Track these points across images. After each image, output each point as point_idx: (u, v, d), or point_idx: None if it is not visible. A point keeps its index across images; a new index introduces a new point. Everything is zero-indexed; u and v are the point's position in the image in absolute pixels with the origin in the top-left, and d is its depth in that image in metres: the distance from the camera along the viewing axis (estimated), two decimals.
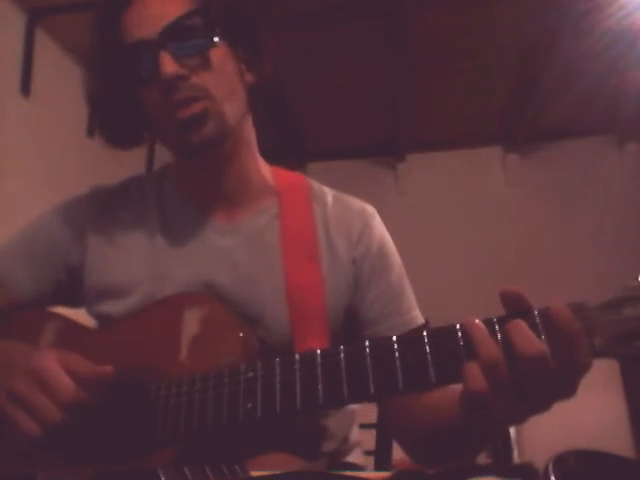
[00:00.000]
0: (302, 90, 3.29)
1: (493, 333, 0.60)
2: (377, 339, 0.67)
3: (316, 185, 1.00)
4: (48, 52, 2.73)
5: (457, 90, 3.66)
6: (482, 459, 2.76)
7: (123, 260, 0.91)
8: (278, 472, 0.53)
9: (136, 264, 0.90)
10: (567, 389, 0.60)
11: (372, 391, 0.64)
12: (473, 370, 0.59)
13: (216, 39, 0.84)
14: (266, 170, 0.98)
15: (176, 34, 0.81)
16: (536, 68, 3.34)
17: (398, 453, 0.98)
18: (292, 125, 3.99)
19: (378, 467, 1.48)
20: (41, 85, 2.64)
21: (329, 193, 0.99)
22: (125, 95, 0.86)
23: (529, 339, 0.57)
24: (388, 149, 4.39)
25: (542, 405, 0.60)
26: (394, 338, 0.65)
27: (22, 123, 2.57)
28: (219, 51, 0.85)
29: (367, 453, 1.30)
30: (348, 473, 0.55)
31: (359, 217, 0.96)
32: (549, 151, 4.29)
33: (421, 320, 0.95)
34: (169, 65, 0.80)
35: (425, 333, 0.64)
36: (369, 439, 1.27)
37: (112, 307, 0.89)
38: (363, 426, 1.08)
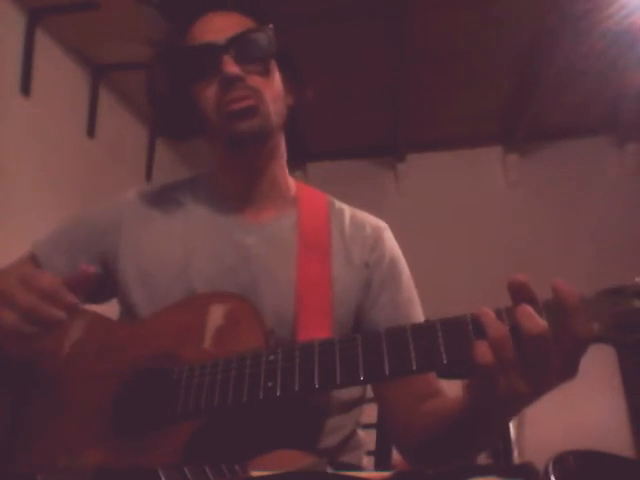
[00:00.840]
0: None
1: (500, 317, 0.65)
2: (392, 326, 0.71)
3: (336, 202, 1.09)
4: (48, 52, 2.73)
5: (457, 90, 3.66)
6: (482, 459, 2.76)
7: (156, 248, 0.98)
8: (278, 472, 0.54)
9: (167, 253, 0.98)
10: (568, 368, 0.64)
11: (387, 372, 0.67)
12: (482, 348, 0.63)
13: (273, 54, 0.97)
14: (292, 183, 1.08)
15: (240, 43, 0.94)
16: (536, 68, 3.34)
17: (398, 453, 0.99)
18: (292, 125, 3.98)
19: (378, 467, 1.48)
20: (41, 85, 2.64)
21: (347, 209, 1.08)
22: (184, 92, 0.97)
23: (534, 319, 0.62)
24: (388, 149, 4.39)
25: (545, 385, 0.65)
26: (408, 325, 0.70)
27: (22, 123, 2.57)
28: (273, 66, 0.98)
29: (367, 453, 1.30)
30: (348, 473, 0.55)
31: (373, 230, 1.05)
32: (549, 151, 4.28)
33: None
34: (231, 65, 0.92)
35: (437, 320, 0.69)
36: (369, 439, 1.27)
37: (142, 294, 0.96)
38: (363, 426, 1.08)
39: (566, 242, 4.01)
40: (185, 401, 0.76)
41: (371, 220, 1.07)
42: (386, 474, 0.56)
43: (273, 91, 0.97)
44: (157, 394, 0.78)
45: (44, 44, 2.69)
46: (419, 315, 1.01)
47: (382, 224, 1.08)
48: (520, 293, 0.66)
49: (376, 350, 0.69)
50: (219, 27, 0.96)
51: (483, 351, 0.63)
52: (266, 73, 0.96)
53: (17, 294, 0.77)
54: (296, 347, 0.74)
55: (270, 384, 0.72)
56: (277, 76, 0.99)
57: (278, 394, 0.71)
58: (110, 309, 1.01)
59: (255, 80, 0.94)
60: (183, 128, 1.05)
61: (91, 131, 3.08)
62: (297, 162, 4.35)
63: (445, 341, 0.66)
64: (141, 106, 3.20)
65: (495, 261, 3.95)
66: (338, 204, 1.09)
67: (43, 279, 0.78)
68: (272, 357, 0.74)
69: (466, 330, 0.66)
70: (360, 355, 0.69)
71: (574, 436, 3.18)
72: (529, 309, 0.63)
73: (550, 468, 0.55)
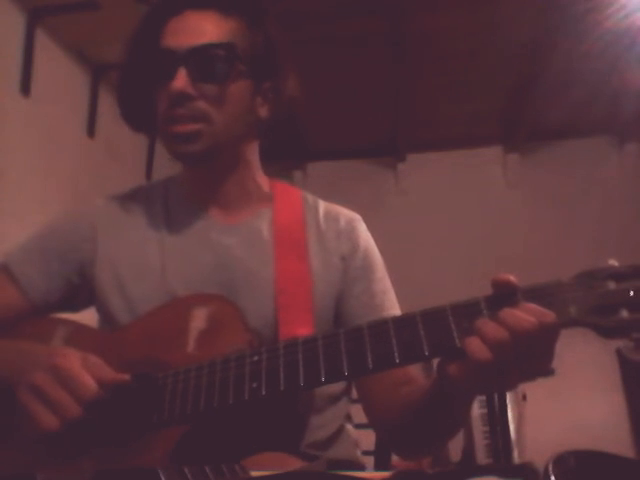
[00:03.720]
0: (302, 90, 3.29)
1: (481, 310, 0.66)
2: (373, 320, 0.72)
3: (310, 197, 1.08)
4: (48, 52, 2.73)
5: (457, 90, 3.66)
6: (482, 459, 2.76)
7: (131, 255, 0.97)
8: (278, 472, 0.54)
9: (143, 259, 0.97)
10: (547, 354, 0.66)
11: (371, 366, 0.68)
12: (478, 345, 0.64)
13: (236, 75, 0.92)
14: (264, 182, 1.06)
15: (200, 58, 0.90)
16: (536, 68, 3.34)
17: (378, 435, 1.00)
18: (293, 125, 3.98)
19: (378, 467, 1.48)
20: (41, 85, 2.64)
21: (321, 203, 1.08)
22: (146, 88, 0.94)
23: (523, 320, 0.63)
24: (388, 149, 4.39)
25: (530, 374, 0.67)
26: (389, 318, 0.71)
27: (22, 123, 2.57)
28: (236, 86, 0.92)
29: (367, 453, 1.30)
30: (348, 473, 0.55)
31: (347, 222, 1.05)
32: (549, 151, 4.29)
33: None
34: (181, 81, 0.88)
35: (417, 312, 0.70)
36: (369, 439, 1.27)
37: (120, 301, 0.95)
38: (363, 426, 1.08)
39: (565, 242, 4.01)
40: (171, 407, 0.75)
41: (345, 213, 1.07)
42: (386, 474, 0.57)
43: (230, 114, 0.92)
44: (143, 401, 0.77)
45: (44, 44, 2.69)
46: (394, 304, 1.01)
47: (356, 216, 1.07)
48: (502, 288, 0.67)
49: (359, 345, 0.69)
50: (191, 29, 0.91)
51: (480, 349, 0.63)
52: (223, 95, 0.91)
53: (56, 394, 0.72)
54: (280, 346, 0.74)
55: (255, 385, 0.72)
56: (243, 96, 0.94)
57: (263, 394, 0.71)
58: (85, 317, 1.00)
59: (206, 101, 0.90)
60: (144, 123, 1.02)
61: (91, 131, 3.08)
62: (297, 162, 4.36)
63: (426, 333, 0.67)
64: None
65: (494, 261, 3.94)
66: (312, 199, 1.08)
67: (85, 382, 0.73)
68: (256, 357, 0.74)
69: (446, 321, 0.67)
70: (343, 351, 0.70)
71: (574, 436, 3.18)
72: (517, 312, 0.63)
73: (550, 468, 0.55)
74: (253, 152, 1.02)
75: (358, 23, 3.07)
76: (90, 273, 0.98)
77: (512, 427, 2.84)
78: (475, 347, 0.64)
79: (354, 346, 0.69)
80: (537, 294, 0.66)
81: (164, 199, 1.03)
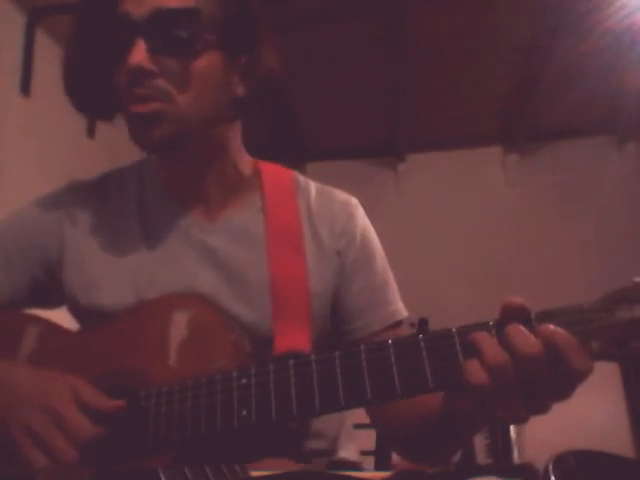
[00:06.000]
0: (302, 90, 3.29)
1: (490, 334, 0.59)
2: (372, 343, 0.65)
3: (301, 178, 0.97)
4: (48, 52, 2.73)
5: (457, 90, 3.66)
6: (482, 459, 2.76)
7: (102, 255, 0.88)
8: (278, 472, 0.54)
9: (115, 258, 0.87)
10: (564, 393, 0.59)
11: (369, 397, 0.62)
12: (476, 369, 0.57)
13: (204, 47, 0.79)
14: (250, 167, 0.95)
15: (162, 25, 0.76)
16: (536, 68, 3.34)
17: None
18: (292, 125, 3.99)
19: (378, 467, 1.48)
20: (41, 85, 2.65)
21: (313, 186, 0.97)
22: (100, 63, 0.82)
23: (527, 339, 0.57)
24: (388, 149, 4.39)
25: (540, 407, 0.59)
26: (390, 342, 0.64)
27: (22, 123, 2.57)
28: (205, 61, 0.79)
29: (367, 453, 1.31)
30: (348, 473, 0.55)
31: (342, 209, 0.94)
32: (549, 151, 4.28)
33: (405, 313, 0.93)
34: (139, 56, 0.75)
35: (421, 337, 0.63)
36: (369, 439, 1.27)
37: (90, 305, 0.86)
38: (363, 426, 1.08)
39: (566, 242, 4.01)
40: (156, 434, 0.70)
41: (339, 197, 0.96)
42: (386, 474, 0.56)
43: (195, 92, 0.79)
44: (125, 423, 0.71)
45: (44, 44, 2.70)
46: (396, 297, 0.93)
47: (352, 200, 0.96)
48: (514, 312, 0.60)
49: (356, 373, 0.63)
50: None
51: (477, 373, 0.57)
52: (188, 71, 0.78)
53: (52, 438, 0.68)
54: (270, 369, 0.67)
55: (245, 412, 0.66)
56: (212, 71, 0.80)
57: (254, 422, 0.66)
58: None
59: (168, 79, 0.77)
60: (99, 104, 0.89)
61: (91, 132, 3.08)
62: (297, 162, 4.36)
63: (430, 362, 0.61)
64: None
65: (494, 261, 3.95)
66: (304, 180, 0.96)
67: (81, 425, 0.68)
68: (244, 380, 0.67)
69: (453, 350, 0.60)
70: (339, 378, 0.64)
71: (574, 436, 3.18)
72: (521, 328, 0.57)
73: (550, 468, 0.55)
74: (233, 136, 0.90)
75: (358, 23, 3.07)
76: (58, 273, 0.89)
77: (512, 427, 2.83)
78: (470, 369, 0.58)
79: (352, 374, 0.63)
80: (555, 321, 0.58)
81: (138, 191, 0.92)
